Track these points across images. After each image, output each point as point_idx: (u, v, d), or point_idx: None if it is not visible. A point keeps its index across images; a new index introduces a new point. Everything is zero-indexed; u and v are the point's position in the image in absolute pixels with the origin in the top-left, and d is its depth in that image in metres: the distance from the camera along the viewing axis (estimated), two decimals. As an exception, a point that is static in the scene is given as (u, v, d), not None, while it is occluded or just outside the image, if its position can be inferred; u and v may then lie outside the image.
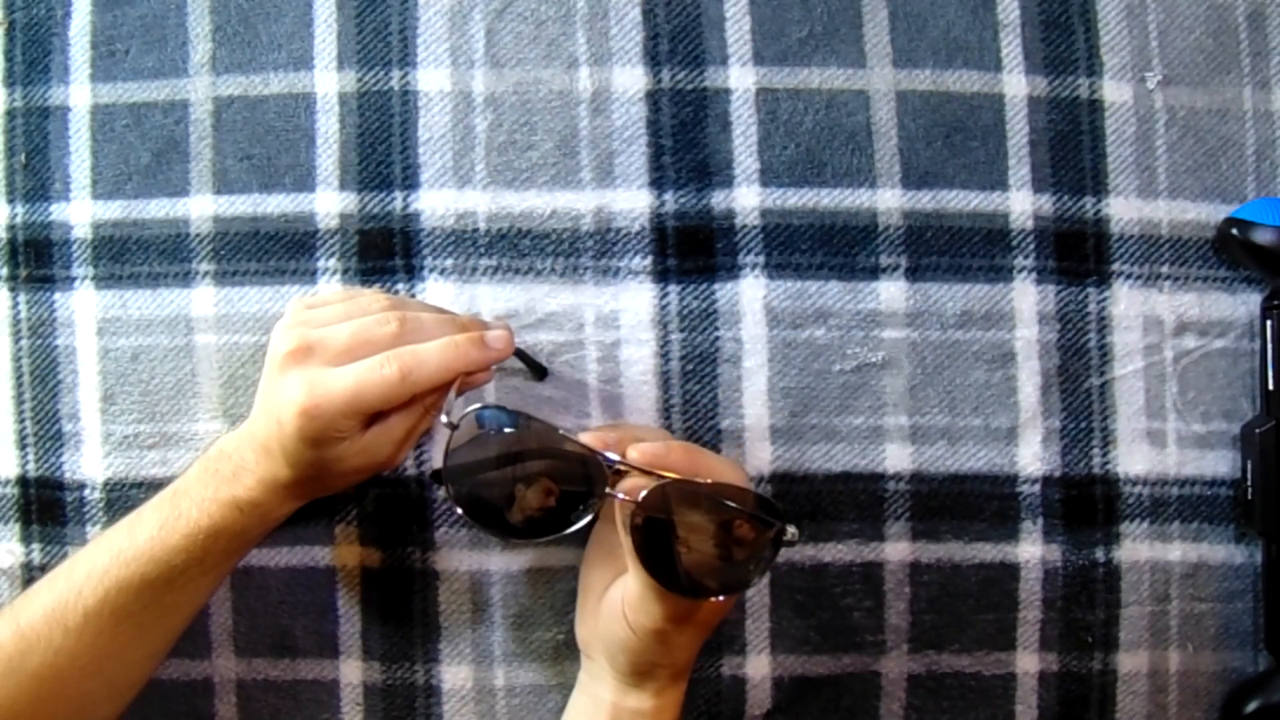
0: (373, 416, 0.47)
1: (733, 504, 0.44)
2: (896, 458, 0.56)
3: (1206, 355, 0.57)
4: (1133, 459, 0.56)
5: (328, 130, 0.56)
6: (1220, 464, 0.56)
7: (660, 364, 0.56)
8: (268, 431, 0.46)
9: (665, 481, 0.43)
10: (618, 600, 0.47)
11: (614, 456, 0.44)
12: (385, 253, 0.56)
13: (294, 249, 0.56)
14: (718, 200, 0.56)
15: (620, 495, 0.44)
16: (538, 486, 0.46)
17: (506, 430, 0.47)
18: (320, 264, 0.56)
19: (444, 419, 0.46)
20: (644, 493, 0.43)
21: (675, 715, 0.49)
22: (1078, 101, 0.56)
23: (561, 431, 0.46)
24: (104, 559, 0.46)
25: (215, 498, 0.47)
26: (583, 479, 0.45)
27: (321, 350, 0.46)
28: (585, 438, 0.45)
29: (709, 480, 0.44)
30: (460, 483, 0.46)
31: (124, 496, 0.56)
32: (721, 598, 0.45)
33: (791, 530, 0.44)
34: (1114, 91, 0.57)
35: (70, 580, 0.46)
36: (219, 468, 0.48)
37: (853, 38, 0.56)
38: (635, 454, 0.44)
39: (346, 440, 0.46)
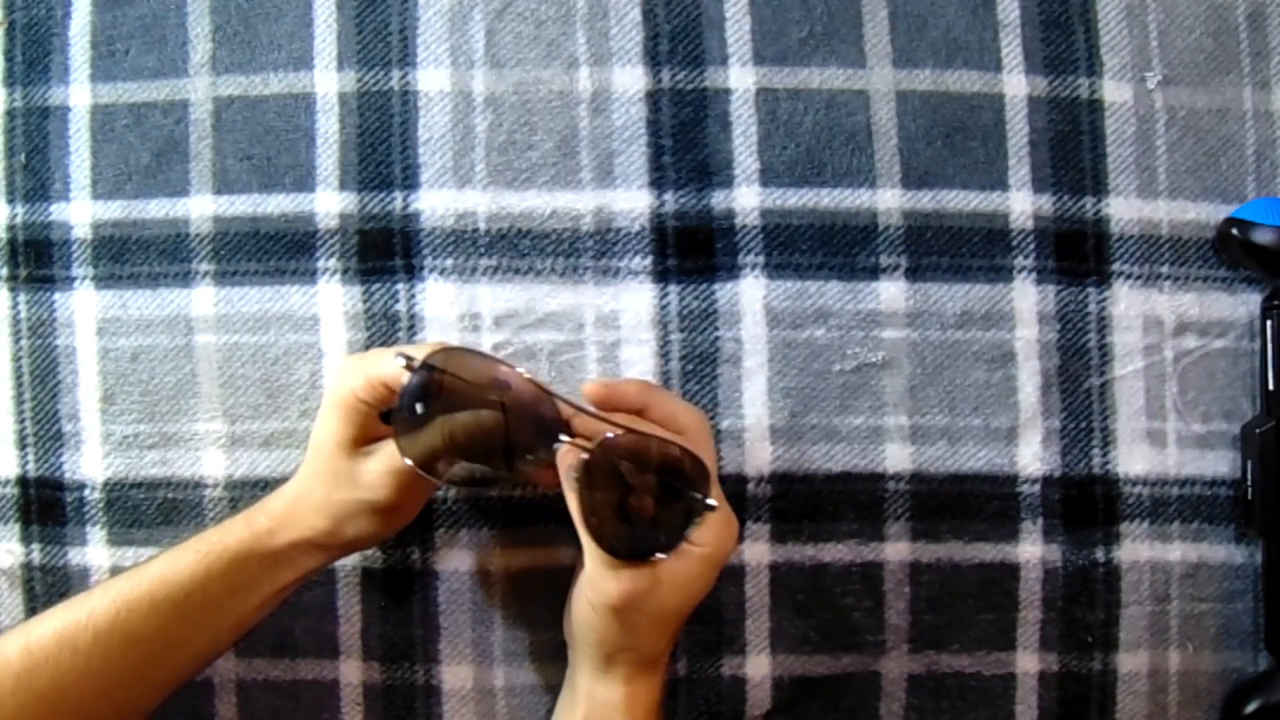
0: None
1: (666, 472, 0.45)
2: (896, 458, 0.56)
3: (1206, 355, 0.57)
4: (1133, 459, 0.56)
5: (328, 130, 0.56)
6: (1220, 464, 0.57)
7: (660, 364, 0.56)
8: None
9: (606, 438, 0.44)
10: (583, 580, 0.47)
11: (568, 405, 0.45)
12: (385, 253, 0.56)
13: (294, 249, 0.56)
14: (718, 200, 0.56)
15: (565, 439, 0.44)
16: (487, 431, 0.46)
17: (464, 373, 0.45)
18: (320, 264, 0.56)
19: (402, 360, 0.44)
20: (584, 455, 0.44)
21: (649, 708, 0.49)
22: (1078, 101, 0.57)
23: (526, 375, 0.45)
24: (120, 581, 0.47)
25: (234, 516, 0.49)
26: (537, 426, 0.45)
27: None
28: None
29: (649, 434, 0.45)
30: (408, 426, 0.45)
31: (124, 496, 0.56)
32: (647, 560, 0.45)
33: (711, 502, 0.45)
34: (1114, 91, 0.57)
35: (84, 602, 0.46)
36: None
37: (853, 38, 0.56)
38: (589, 388, 0.45)
39: (355, 424, 0.46)
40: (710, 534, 0.46)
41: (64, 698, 0.44)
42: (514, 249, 0.56)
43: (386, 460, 0.47)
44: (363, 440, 0.47)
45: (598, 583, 0.45)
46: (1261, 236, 0.54)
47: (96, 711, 0.46)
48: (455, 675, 0.56)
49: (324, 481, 0.48)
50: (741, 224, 0.56)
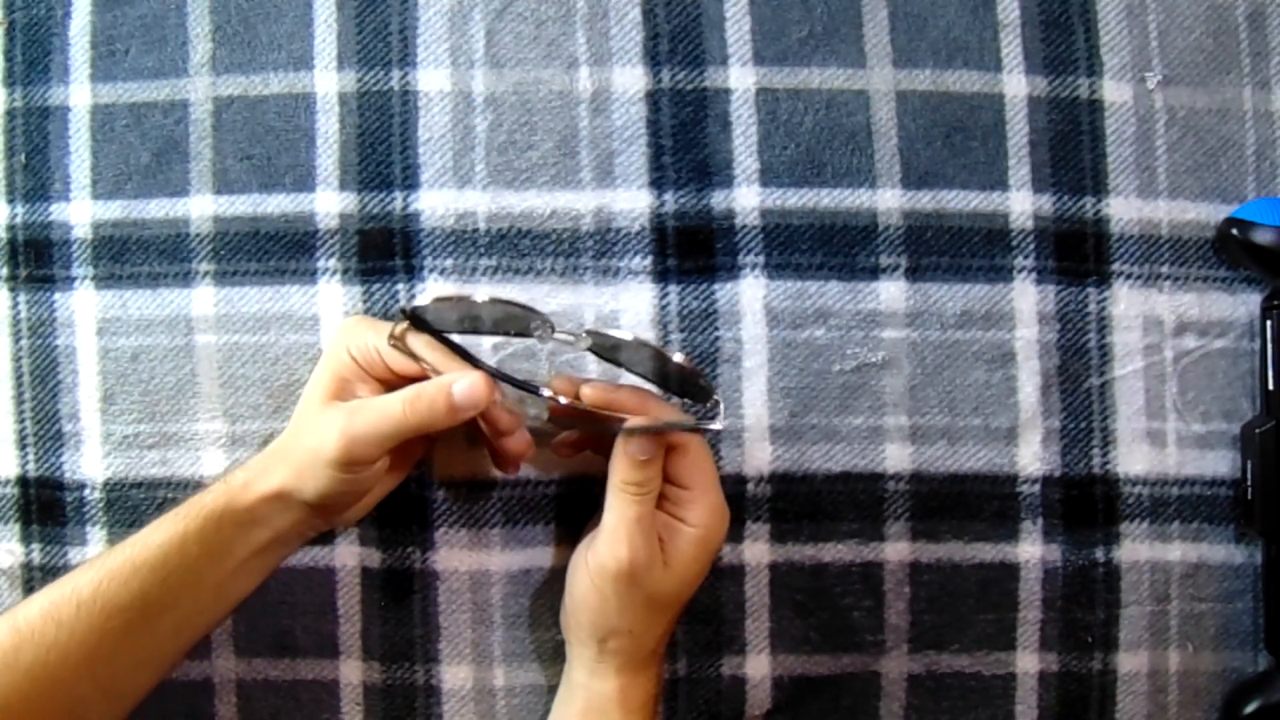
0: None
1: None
2: (896, 458, 0.56)
3: (1206, 355, 0.57)
4: (1133, 459, 0.56)
5: (328, 130, 0.56)
6: (1220, 464, 0.57)
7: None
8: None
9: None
10: (583, 551, 0.49)
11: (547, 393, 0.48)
12: (385, 253, 0.56)
13: (294, 249, 0.56)
14: (718, 200, 0.56)
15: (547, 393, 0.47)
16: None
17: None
18: (320, 264, 0.56)
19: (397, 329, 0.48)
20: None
21: (643, 702, 0.49)
22: (1078, 101, 0.57)
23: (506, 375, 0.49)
24: (104, 553, 0.47)
25: (216, 479, 0.49)
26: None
27: None
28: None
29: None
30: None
31: (124, 496, 0.56)
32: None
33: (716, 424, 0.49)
34: (1114, 91, 0.57)
35: (71, 577, 0.46)
36: None
37: (853, 38, 0.56)
38: (589, 392, 0.48)
39: (336, 376, 0.49)
40: (702, 515, 0.48)
41: (49, 674, 0.44)
42: (514, 249, 0.56)
43: (342, 416, 0.47)
44: (338, 397, 0.48)
45: (607, 547, 0.46)
46: (1261, 236, 0.54)
47: (82, 690, 0.46)
48: (455, 675, 0.56)
49: (294, 430, 0.49)
50: (741, 224, 0.56)
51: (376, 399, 0.47)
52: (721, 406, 0.48)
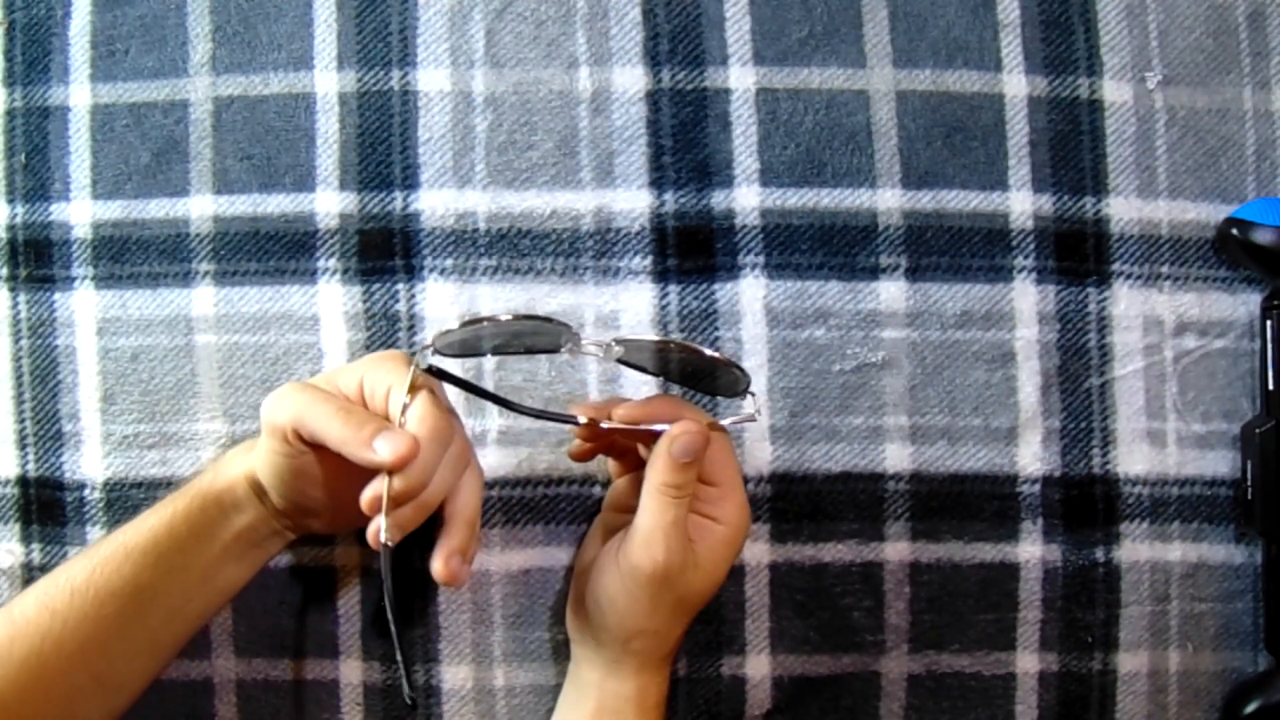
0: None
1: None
2: (896, 458, 0.56)
3: (1206, 355, 0.57)
4: (1133, 459, 0.56)
5: (328, 130, 0.56)
6: (1220, 464, 0.57)
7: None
8: None
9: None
10: (612, 551, 0.48)
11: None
12: (385, 253, 0.56)
13: (294, 249, 0.56)
14: (718, 200, 0.56)
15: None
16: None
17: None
18: (320, 264, 0.56)
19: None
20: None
21: (658, 702, 0.50)
22: (1078, 101, 0.57)
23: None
24: (99, 542, 0.47)
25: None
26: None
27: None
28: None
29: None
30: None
31: (124, 496, 0.56)
32: None
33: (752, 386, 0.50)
34: (1114, 91, 0.57)
35: (64, 567, 0.47)
36: None
37: (853, 38, 0.56)
38: (621, 412, 0.48)
39: (333, 385, 0.46)
40: (731, 513, 0.48)
41: (44, 665, 0.44)
42: (514, 249, 0.56)
43: (292, 383, 0.46)
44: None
45: (642, 549, 0.46)
46: (1261, 236, 0.54)
47: (78, 681, 0.46)
48: (455, 675, 0.56)
49: (265, 440, 0.47)
50: (741, 224, 0.56)
51: (333, 392, 0.46)
52: (757, 394, 0.49)
